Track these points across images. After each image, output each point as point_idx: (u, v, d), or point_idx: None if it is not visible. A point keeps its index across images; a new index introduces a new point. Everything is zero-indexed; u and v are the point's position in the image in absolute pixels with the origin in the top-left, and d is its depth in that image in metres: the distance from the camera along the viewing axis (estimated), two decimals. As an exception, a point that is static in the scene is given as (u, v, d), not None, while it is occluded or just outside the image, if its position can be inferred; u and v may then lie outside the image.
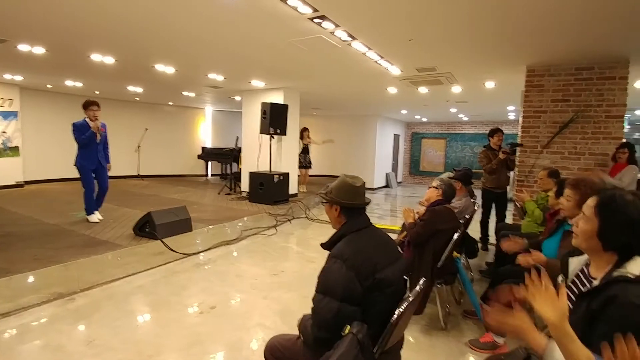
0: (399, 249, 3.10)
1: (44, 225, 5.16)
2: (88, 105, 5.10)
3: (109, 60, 5.66)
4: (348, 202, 1.68)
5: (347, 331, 1.45)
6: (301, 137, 9.59)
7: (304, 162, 9.71)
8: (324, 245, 1.71)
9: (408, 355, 2.27)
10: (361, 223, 1.69)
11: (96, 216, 5.39)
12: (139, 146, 11.21)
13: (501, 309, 1.26)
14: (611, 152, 4.61)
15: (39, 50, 5.22)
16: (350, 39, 4.24)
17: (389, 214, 8.69)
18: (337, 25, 3.84)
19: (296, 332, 1.79)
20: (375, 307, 1.53)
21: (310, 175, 10.63)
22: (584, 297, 1.29)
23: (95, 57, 5.50)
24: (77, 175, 5.23)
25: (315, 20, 3.69)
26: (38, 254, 3.92)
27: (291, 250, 5.36)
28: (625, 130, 6.43)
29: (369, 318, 1.52)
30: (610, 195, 1.31)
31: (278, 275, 4.14)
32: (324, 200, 1.76)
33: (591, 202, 1.36)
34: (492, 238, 5.17)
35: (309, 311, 1.64)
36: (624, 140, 4.59)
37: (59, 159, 9.71)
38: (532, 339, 1.19)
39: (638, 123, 10.44)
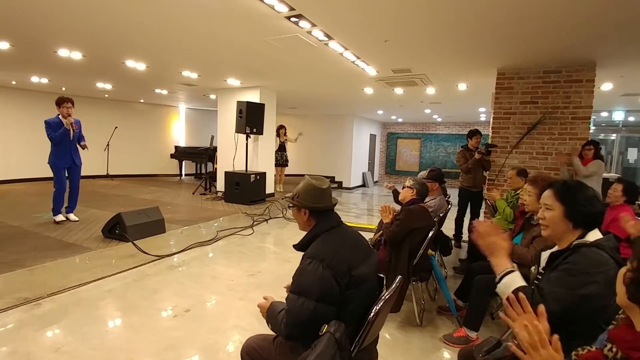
0: (375, 248, 3.15)
1: (7, 228, 4.90)
2: (62, 102, 4.94)
3: (77, 55, 5.44)
4: (316, 205, 1.68)
5: (324, 330, 1.45)
6: (277, 135, 9.54)
7: (281, 160, 9.67)
8: (297, 247, 1.70)
9: (384, 352, 2.30)
10: (332, 222, 1.69)
11: (62, 216, 5.18)
12: (108, 145, 10.82)
13: (491, 226, 1.53)
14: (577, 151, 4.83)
15: (4, 45, 5.00)
16: (326, 38, 4.25)
17: (366, 213, 8.76)
18: (313, 25, 3.83)
19: (273, 332, 1.77)
20: (351, 305, 1.54)
21: (287, 175, 10.58)
22: (550, 264, 1.53)
23: (63, 52, 5.28)
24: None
25: (292, 19, 3.67)
26: (1, 257, 3.73)
27: (268, 250, 5.31)
28: (591, 131, 6.75)
29: (346, 316, 1.52)
30: (563, 183, 1.57)
31: (255, 275, 4.10)
32: (291, 205, 1.74)
33: (548, 192, 1.58)
34: (465, 235, 5.31)
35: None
36: (592, 139, 4.83)
37: (23, 158, 9.29)
38: (499, 260, 1.45)
39: (603, 124, 10.97)
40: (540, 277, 1.61)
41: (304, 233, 1.74)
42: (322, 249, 1.56)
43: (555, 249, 1.60)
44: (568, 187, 1.54)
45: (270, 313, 1.63)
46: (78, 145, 5.22)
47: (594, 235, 1.48)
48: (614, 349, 1.02)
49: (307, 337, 1.51)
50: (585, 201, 1.49)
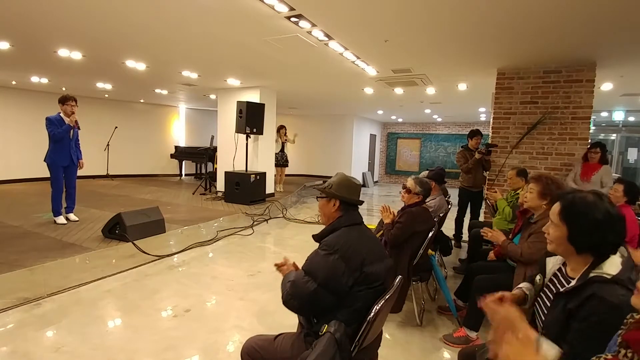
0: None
1: (7, 228, 4.90)
2: (66, 100, 4.93)
3: (77, 55, 5.44)
4: (347, 197, 1.75)
5: (324, 330, 1.46)
6: (278, 136, 9.54)
7: (281, 161, 9.66)
8: (316, 237, 1.75)
9: (384, 352, 2.30)
10: (355, 219, 1.75)
11: (64, 218, 5.17)
12: (108, 145, 10.82)
13: (496, 300, 1.29)
14: (577, 152, 4.82)
15: (4, 45, 5.00)
16: (327, 38, 4.25)
17: (366, 213, 8.76)
18: (313, 25, 3.83)
19: (273, 332, 1.78)
20: (360, 303, 1.56)
21: (287, 175, 10.58)
22: (561, 296, 1.31)
23: (63, 52, 5.28)
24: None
25: (292, 19, 3.67)
26: (1, 257, 3.72)
27: (268, 250, 5.31)
28: (591, 131, 6.73)
29: (352, 314, 1.54)
30: (571, 200, 1.32)
31: (255, 275, 4.10)
32: (323, 195, 1.79)
33: (556, 208, 1.36)
34: (465, 235, 5.30)
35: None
36: (597, 140, 4.75)
37: (23, 158, 9.29)
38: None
39: (604, 124, 10.96)
40: (549, 302, 1.40)
41: (305, 233, 1.76)
42: (340, 240, 1.61)
43: (559, 261, 1.45)
44: (575, 206, 1.29)
45: (285, 278, 1.73)
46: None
47: (612, 265, 1.23)
48: (630, 354, 0.94)
49: (302, 314, 1.67)
50: (592, 228, 1.24)
